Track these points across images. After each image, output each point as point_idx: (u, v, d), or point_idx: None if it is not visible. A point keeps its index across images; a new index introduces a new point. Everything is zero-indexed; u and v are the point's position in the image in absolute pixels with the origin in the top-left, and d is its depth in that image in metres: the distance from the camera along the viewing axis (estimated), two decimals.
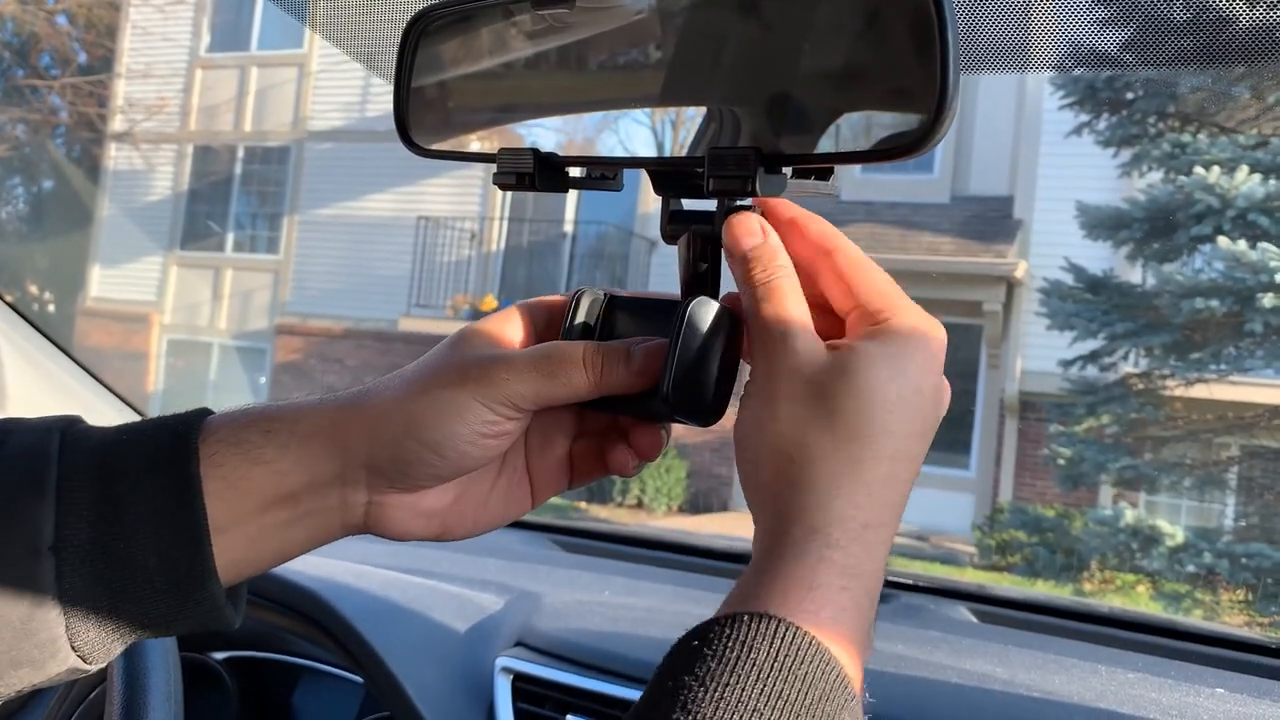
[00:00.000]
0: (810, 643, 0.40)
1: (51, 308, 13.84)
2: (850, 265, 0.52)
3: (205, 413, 0.55)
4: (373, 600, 1.22)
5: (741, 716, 0.38)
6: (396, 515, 0.56)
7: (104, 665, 0.53)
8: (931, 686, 1.09)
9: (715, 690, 0.39)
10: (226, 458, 0.52)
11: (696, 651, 0.40)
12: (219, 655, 1.30)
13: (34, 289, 13.62)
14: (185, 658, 1.07)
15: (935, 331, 0.51)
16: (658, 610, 1.26)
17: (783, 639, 0.40)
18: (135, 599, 0.50)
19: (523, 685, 1.11)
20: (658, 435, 0.60)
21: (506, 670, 1.12)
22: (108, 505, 0.50)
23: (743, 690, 0.38)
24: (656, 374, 0.54)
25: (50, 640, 0.49)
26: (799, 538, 0.45)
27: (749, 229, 0.52)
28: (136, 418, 1.40)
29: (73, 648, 0.50)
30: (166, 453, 0.52)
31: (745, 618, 0.41)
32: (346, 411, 0.54)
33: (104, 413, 1.39)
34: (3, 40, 13.62)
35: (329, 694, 1.32)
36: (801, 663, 0.40)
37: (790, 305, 0.51)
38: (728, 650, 0.40)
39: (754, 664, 0.39)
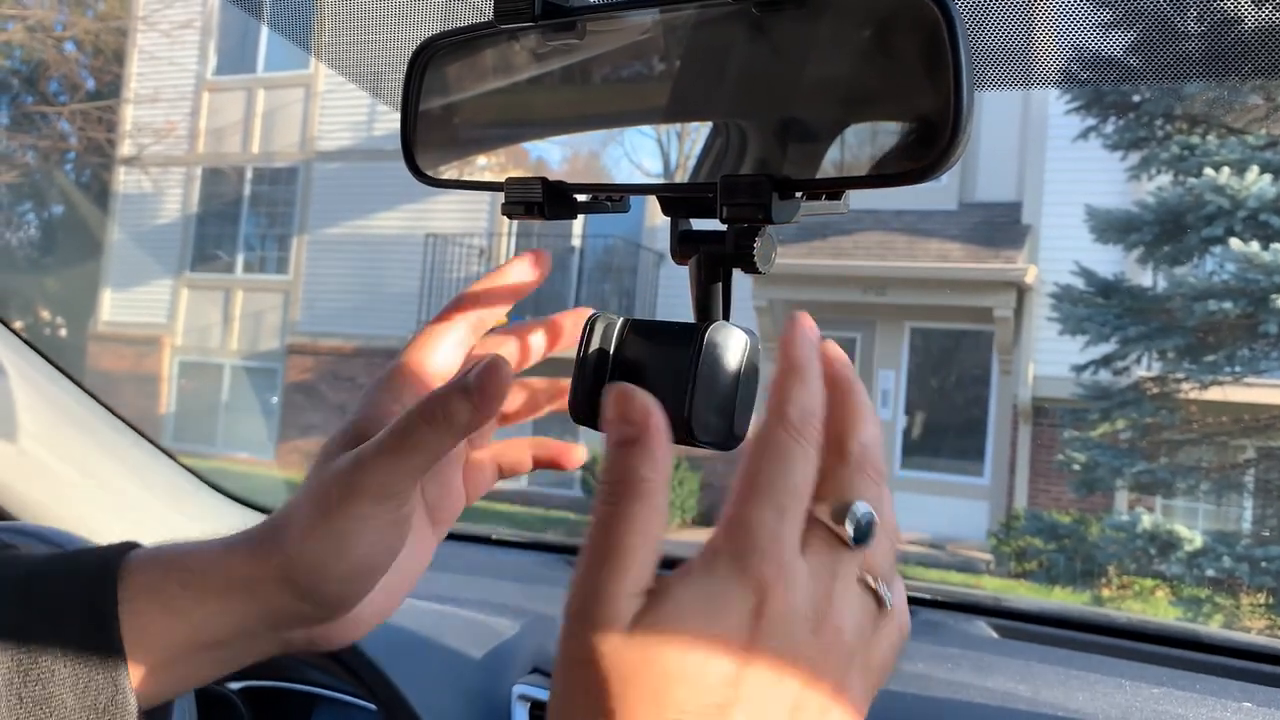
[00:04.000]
0: None
1: (63, 332, 13.92)
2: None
3: (130, 546, 0.54)
4: (386, 628, 1.21)
5: None
6: (338, 633, 0.56)
7: None
8: (954, 706, 1.08)
9: None
10: (145, 605, 0.52)
11: None
12: (234, 685, 1.29)
13: (45, 314, 13.70)
14: (199, 688, 1.06)
15: (761, 542, 0.39)
16: None
17: None
18: None
19: (541, 713, 1.10)
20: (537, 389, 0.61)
21: (524, 698, 1.11)
22: (25, 647, 0.50)
23: None
24: (502, 395, 0.51)
25: None
26: None
27: (629, 408, 0.43)
28: (142, 442, 1.40)
29: None
30: (86, 595, 0.52)
31: None
32: (258, 563, 0.52)
33: (112, 440, 1.39)
34: (11, 68, 13.73)
35: None
36: None
37: (619, 548, 0.39)
38: None
39: None
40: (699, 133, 0.57)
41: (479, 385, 0.49)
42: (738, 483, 0.41)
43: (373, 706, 1.18)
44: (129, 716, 0.51)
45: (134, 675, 0.51)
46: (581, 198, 0.59)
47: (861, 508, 0.41)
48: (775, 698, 0.37)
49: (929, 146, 0.46)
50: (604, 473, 0.41)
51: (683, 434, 0.55)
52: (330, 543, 0.50)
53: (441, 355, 0.57)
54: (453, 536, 0.64)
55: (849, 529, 0.40)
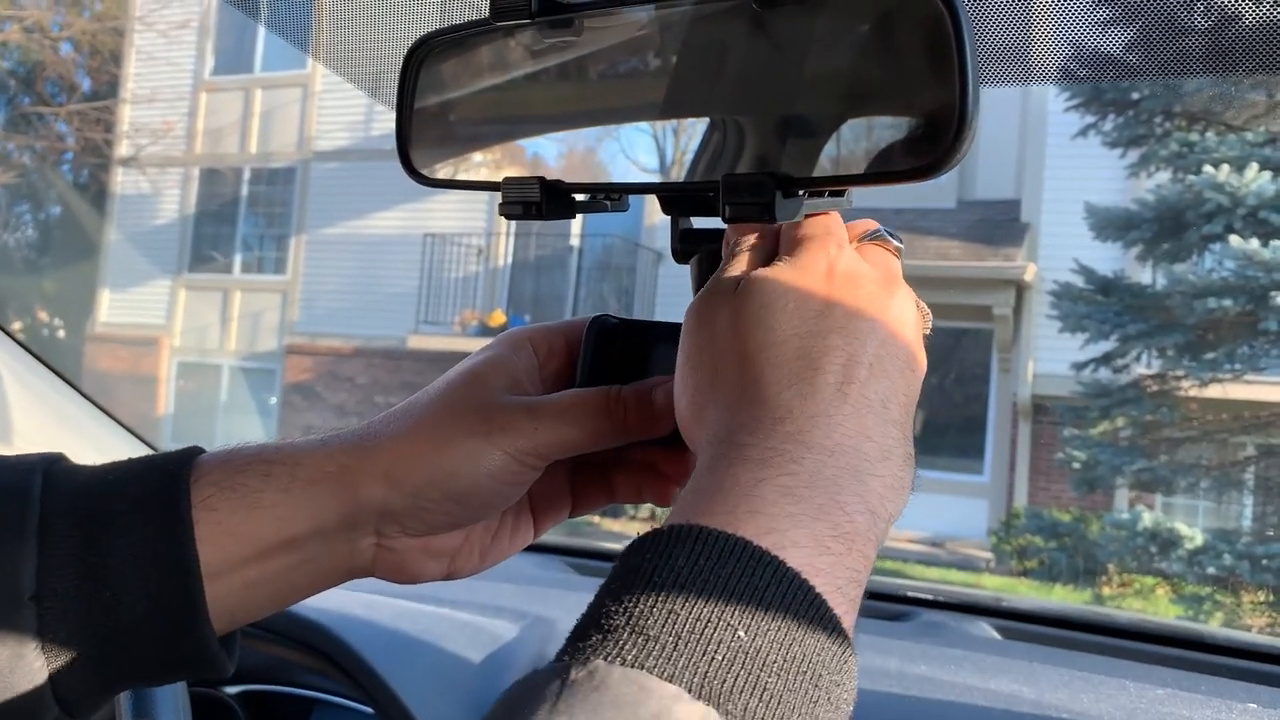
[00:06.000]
0: (727, 541, 0.38)
1: (61, 334, 13.91)
2: (787, 225, 0.52)
3: (197, 451, 0.53)
4: (384, 632, 1.21)
5: (661, 621, 0.36)
6: (406, 559, 0.54)
7: (91, 717, 0.51)
8: (958, 709, 1.07)
9: (631, 603, 0.37)
10: (220, 501, 0.50)
11: (617, 574, 0.39)
12: (231, 689, 1.28)
13: (43, 315, 13.69)
14: (196, 693, 1.05)
15: (829, 242, 0.49)
16: None
17: (699, 542, 0.38)
18: (123, 648, 0.48)
19: None
20: (688, 459, 0.58)
21: None
22: (93, 550, 0.48)
23: (658, 597, 0.37)
24: None
25: (33, 693, 0.47)
26: (709, 453, 0.44)
27: (744, 228, 0.52)
28: (142, 448, 1.39)
29: (57, 699, 0.48)
30: (156, 494, 0.49)
31: (665, 531, 0.39)
32: (356, 455, 0.52)
33: (109, 443, 1.38)
34: (8, 69, 13.71)
35: None
36: (722, 561, 0.38)
37: (731, 264, 0.51)
38: (644, 565, 0.38)
39: (673, 570, 0.37)
40: (695, 129, 0.56)
41: (663, 399, 0.54)
42: (799, 223, 0.51)
43: (370, 710, 1.17)
44: (201, 625, 0.49)
45: (209, 587, 0.49)
46: (580, 197, 0.58)
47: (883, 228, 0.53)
48: (855, 321, 0.47)
49: (934, 143, 0.46)
50: (729, 248, 0.52)
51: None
52: (459, 462, 0.52)
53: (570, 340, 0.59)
54: None
55: (882, 233, 0.53)
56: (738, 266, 0.50)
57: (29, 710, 0.47)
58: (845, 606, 0.39)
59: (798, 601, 0.37)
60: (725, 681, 0.34)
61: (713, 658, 0.35)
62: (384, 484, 0.52)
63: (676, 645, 0.35)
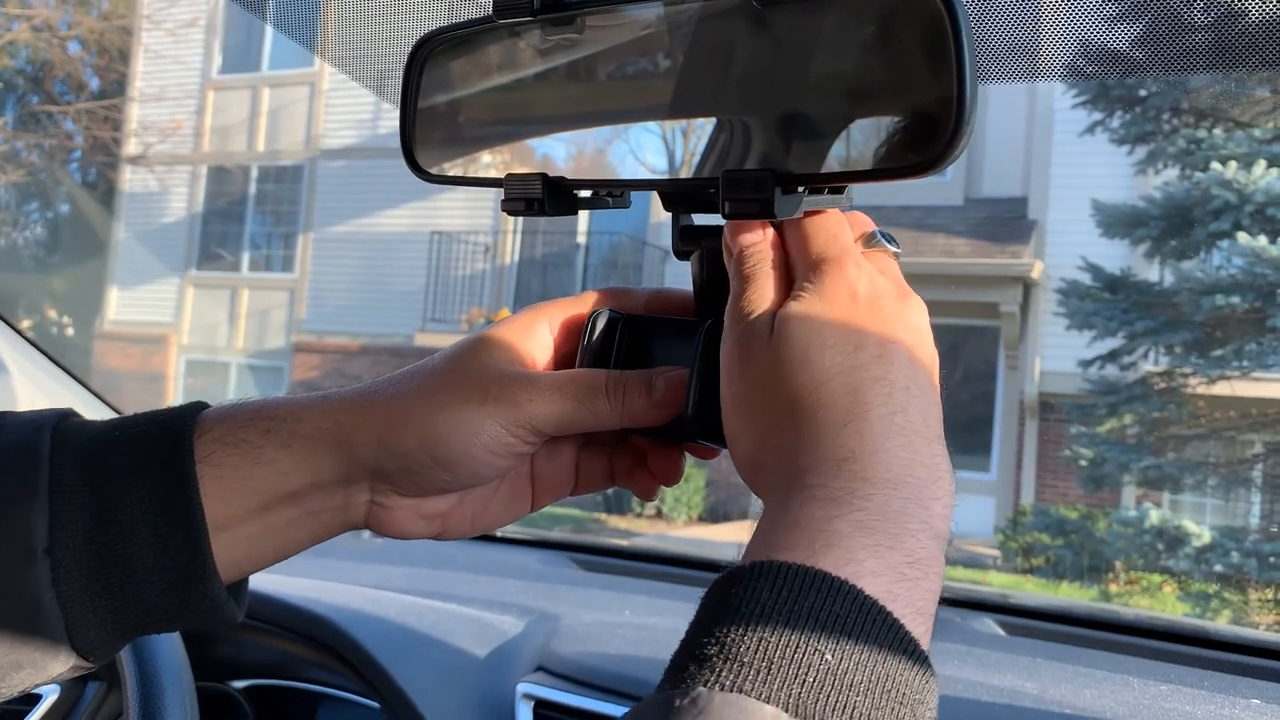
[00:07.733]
0: (809, 574, 0.40)
1: (70, 331, 13.94)
2: (792, 234, 0.52)
3: (201, 406, 0.54)
4: (390, 627, 1.21)
5: (753, 648, 0.38)
6: (398, 516, 0.56)
7: (106, 661, 0.52)
8: (961, 705, 1.07)
9: (723, 634, 0.39)
10: (224, 457, 0.51)
11: (705, 608, 0.41)
12: (238, 684, 1.29)
13: (52, 313, 13.72)
14: (203, 687, 1.06)
15: (847, 263, 0.50)
16: (679, 631, 1.24)
17: (781, 576, 0.40)
18: (135, 597, 0.50)
19: (545, 712, 1.09)
20: (676, 460, 0.59)
21: (528, 697, 1.11)
22: (102, 504, 0.49)
23: (748, 627, 0.38)
24: (679, 404, 0.53)
25: (50, 642, 0.49)
26: (779, 494, 0.46)
27: (748, 227, 0.52)
28: None
29: (74, 648, 0.50)
30: (161, 450, 0.51)
31: (747, 568, 0.41)
32: (353, 413, 0.53)
33: None
34: (17, 68, 13.75)
35: None
36: (804, 592, 0.39)
37: (752, 291, 0.51)
38: (731, 599, 0.40)
39: (759, 603, 0.39)
40: (704, 129, 0.57)
41: (663, 388, 0.54)
42: (808, 240, 0.51)
43: (376, 705, 1.18)
44: (208, 575, 0.50)
45: (215, 540, 0.50)
46: (582, 193, 0.59)
47: (879, 230, 0.54)
48: (887, 346, 0.48)
49: (933, 139, 0.46)
50: (734, 271, 0.52)
51: (684, 432, 0.55)
52: (450, 428, 0.52)
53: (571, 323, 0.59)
54: None
55: (879, 238, 0.53)
56: (761, 297, 0.50)
57: (48, 658, 0.49)
58: (924, 628, 0.42)
59: (878, 627, 0.39)
60: (818, 702, 0.36)
61: (804, 680, 0.37)
62: (376, 444, 0.53)
63: (770, 670, 0.37)
